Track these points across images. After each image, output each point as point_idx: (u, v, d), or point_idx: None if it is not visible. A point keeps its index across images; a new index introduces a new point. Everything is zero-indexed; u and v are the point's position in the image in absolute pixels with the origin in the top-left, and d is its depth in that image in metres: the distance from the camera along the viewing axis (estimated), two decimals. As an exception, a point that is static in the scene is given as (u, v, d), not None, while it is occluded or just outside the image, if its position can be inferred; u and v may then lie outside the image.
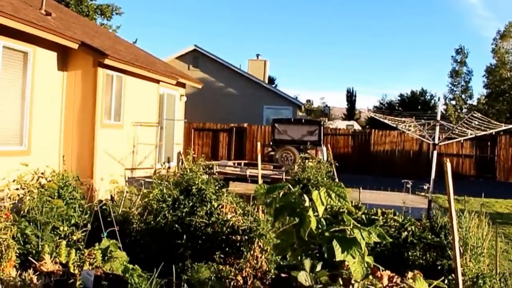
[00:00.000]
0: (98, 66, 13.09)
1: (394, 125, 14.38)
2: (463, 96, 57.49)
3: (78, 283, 4.79)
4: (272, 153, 21.92)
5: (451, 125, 14.51)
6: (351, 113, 69.63)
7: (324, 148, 21.99)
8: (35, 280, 4.78)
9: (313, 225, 4.37)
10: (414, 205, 13.12)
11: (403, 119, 14.71)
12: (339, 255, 4.23)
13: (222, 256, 7.49)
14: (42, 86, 12.14)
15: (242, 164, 19.58)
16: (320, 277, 4.39)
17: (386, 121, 14.39)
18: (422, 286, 4.25)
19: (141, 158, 15.74)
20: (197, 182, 8.42)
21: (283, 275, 4.92)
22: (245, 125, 30.12)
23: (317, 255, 4.61)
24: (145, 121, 16.10)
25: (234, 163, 20.32)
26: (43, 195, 7.98)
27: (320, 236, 4.43)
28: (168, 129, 19.04)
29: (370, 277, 4.41)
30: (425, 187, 15.77)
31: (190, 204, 8.29)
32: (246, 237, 7.59)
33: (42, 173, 8.83)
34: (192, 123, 28.40)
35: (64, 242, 5.85)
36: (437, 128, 13.15)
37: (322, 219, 4.54)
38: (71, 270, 5.17)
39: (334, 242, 4.26)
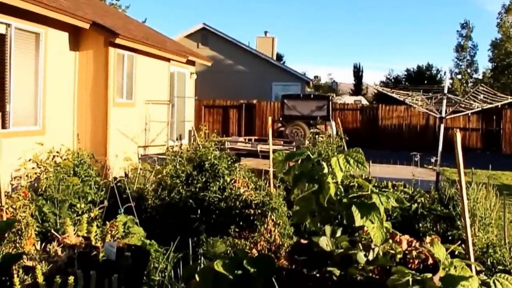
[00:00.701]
0: (110, 46, 13.25)
1: (402, 99, 14.48)
2: (468, 70, 57.39)
3: (101, 255, 4.97)
4: (282, 128, 22.11)
5: (458, 98, 14.54)
6: (358, 88, 69.51)
7: (333, 123, 22.10)
8: (59, 252, 4.96)
9: (332, 191, 4.42)
10: (422, 177, 13.19)
11: (410, 93, 14.80)
12: (358, 221, 4.25)
13: (236, 230, 7.62)
14: (54, 67, 12.30)
15: (253, 140, 19.79)
16: (340, 242, 4.49)
17: (393, 95, 14.50)
18: (440, 250, 4.38)
19: (153, 135, 15.95)
20: (210, 158, 8.60)
21: (303, 241, 5.04)
22: (255, 101, 30.24)
23: (336, 221, 4.71)
24: (157, 99, 16.28)
25: (244, 139, 20.47)
26: (59, 173, 8.16)
27: (339, 203, 4.52)
28: (179, 107, 19.22)
29: (390, 241, 4.53)
30: (433, 160, 15.88)
31: (203, 179, 8.47)
32: (259, 211, 7.77)
33: (57, 152, 9.03)
34: (202, 100, 28.50)
35: (85, 216, 6.05)
36: (444, 101, 13.23)
37: (340, 186, 4.64)
38: (93, 243, 5.36)
39: (353, 208, 4.28)
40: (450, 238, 8.31)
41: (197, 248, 7.03)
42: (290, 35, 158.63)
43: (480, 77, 55.67)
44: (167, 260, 6.41)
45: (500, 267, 6.96)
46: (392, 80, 60.81)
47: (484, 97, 13.71)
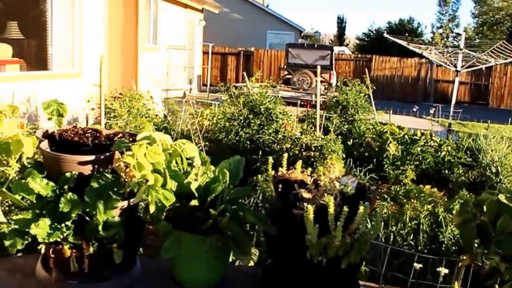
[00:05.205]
0: (139, -9, 13.54)
1: (419, 52, 15.06)
2: (450, 25, 57.92)
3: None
4: (289, 76, 22.71)
5: (475, 54, 15.17)
6: (341, 39, 69.80)
7: (335, 72, 22.77)
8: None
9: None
10: (425, 128, 13.73)
11: (423, 46, 15.38)
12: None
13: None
14: (87, 11, 12.57)
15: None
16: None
17: (409, 46, 15.08)
18: None
19: (173, 80, 16.38)
20: (265, 102, 9.15)
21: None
22: (252, 49, 30.57)
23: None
24: (176, 44, 16.66)
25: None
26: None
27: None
28: (189, 52, 19.61)
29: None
30: (431, 111, 16.62)
31: (258, 122, 9.04)
32: (318, 153, 8.38)
33: (120, 93, 9.48)
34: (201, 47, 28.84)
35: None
36: (460, 56, 13.84)
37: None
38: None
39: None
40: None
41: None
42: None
43: (461, 32, 56.20)
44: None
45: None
46: (373, 32, 61.08)
47: (497, 52, 14.31)
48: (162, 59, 15.78)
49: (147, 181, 2.53)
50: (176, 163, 2.74)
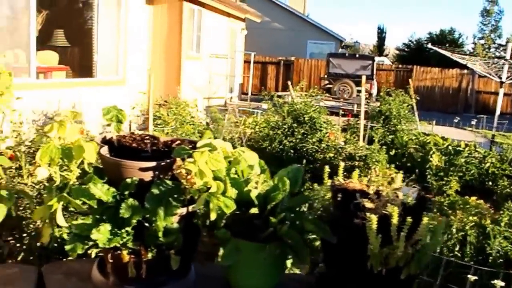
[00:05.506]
0: (183, 0, 13.65)
1: (464, 63, 14.90)
2: (492, 36, 57.10)
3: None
4: (329, 86, 22.69)
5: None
6: (380, 49, 69.46)
7: (375, 82, 22.67)
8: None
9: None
10: (467, 139, 13.54)
11: (467, 56, 15.20)
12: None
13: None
14: (133, 20, 12.71)
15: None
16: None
17: (452, 57, 14.92)
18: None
19: (214, 88, 16.47)
20: (309, 111, 9.15)
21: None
22: (293, 58, 30.61)
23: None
24: (218, 53, 16.76)
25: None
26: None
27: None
28: (231, 61, 19.70)
29: None
30: (473, 123, 16.37)
31: (302, 131, 9.03)
32: (362, 163, 8.33)
33: (165, 101, 9.57)
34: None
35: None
36: (506, 67, 13.63)
37: None
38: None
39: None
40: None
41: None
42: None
43: (503, 42, 55.39)
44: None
45: None
46: (414, 42, 60.59)
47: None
48: (205, 67, 15.89)
49: (208, 188, 2.53)
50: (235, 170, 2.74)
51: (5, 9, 9.87)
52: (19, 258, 4.17)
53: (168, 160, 2.66)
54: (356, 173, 3.08)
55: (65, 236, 4.35)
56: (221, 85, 17.29)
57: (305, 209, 5.78)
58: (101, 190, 2.59)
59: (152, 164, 2.63)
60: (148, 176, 2.64)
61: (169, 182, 2.61)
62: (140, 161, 2.68)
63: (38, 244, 4.32)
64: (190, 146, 2.76)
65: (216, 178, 2.57)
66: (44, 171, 2.60)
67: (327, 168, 3.20)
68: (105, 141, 2.94)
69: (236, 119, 10.69)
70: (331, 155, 8.76)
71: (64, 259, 4.05)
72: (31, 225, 4.43)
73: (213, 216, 2.52)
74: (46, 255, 4.20)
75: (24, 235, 4.40)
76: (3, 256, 4.09)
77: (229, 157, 2.67)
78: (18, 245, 4.30)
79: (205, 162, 2.50)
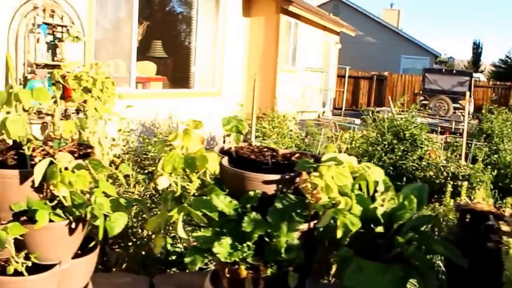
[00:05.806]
0: (281, 13, 13.65)
1: None
2: None
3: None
4: (425, 102, 22.21)
5: None
6: (476, 65, 67.67)
7: (472, 99, 22.04)
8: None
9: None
10: None
11: None
12: None
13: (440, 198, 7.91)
14: (229, 31, 12.82)
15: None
16: None
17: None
18: None
19: (308, 101, 16.40)
20: (410, 128, 8.90)
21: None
22: (386, 73, 30.16)
23: None
24: (313, 66, 16.70)
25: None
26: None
27: None
28: (325, 75, 19.61)
29: None
30: None
31: (402, 148, 8.79)
32: (466, 183, 8.01)
33: (264, 113, 9.58)
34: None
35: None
36: None
37: None
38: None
39: None
40: None
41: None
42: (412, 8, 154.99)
43: None
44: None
45: None
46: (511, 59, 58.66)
47: None
48: (299, 80, 15.84)
49: (333, 204, 2.43)
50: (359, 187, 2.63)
51: (108, 20, 10.15)
52: (123, 267, 4.20)
53: (292, 174, 2.58)
54: (480, 194, 2.91)
55: (168, 247, 4.37)
56: (315, 99, 17.20)
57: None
58: (223, 202, 2.54)
59: (277, 177, 2.56)
60: (270, 189, 2.57)
61: (292, 196, 2.53)
62: (260, 173, 2.61)
63: (143, 253, 4.35)
64: (312, 160, 2.67)
65: (341, 193, 2.47)
66: (166, 181, 2.58)
67: (449, 187, 3.03)
68: (223, 152, 2.90)
69: (332, 134, 10.54)
70: (431, 173, 8.48)
71: (172, 271, 4.06)
72: (138, 235, 4.46)
73: (339, 234, 2.42)
74: (150, 265, 4.22)
75: (130, 244, 4.44)
76: (109, 263, 4.13)
77: (354, 172, 2.56)
78: (124, 253, 4.33)
79: (331, 177, 2.40)
